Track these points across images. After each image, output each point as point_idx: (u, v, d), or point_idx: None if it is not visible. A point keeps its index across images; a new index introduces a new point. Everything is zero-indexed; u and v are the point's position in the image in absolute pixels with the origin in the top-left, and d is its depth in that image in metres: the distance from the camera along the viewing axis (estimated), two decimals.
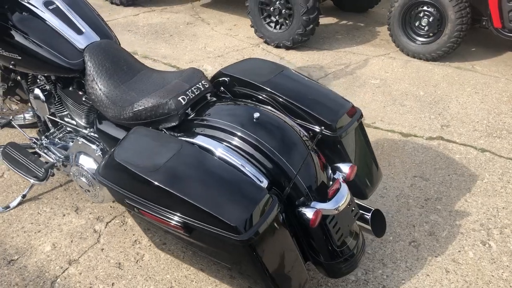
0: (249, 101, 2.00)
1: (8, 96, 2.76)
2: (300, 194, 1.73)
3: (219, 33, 4.86)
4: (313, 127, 1.93)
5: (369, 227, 2.04)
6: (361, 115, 2.03)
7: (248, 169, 1.73)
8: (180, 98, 1.87)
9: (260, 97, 2.02)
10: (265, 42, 4.56)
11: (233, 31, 4.90)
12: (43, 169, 2.37)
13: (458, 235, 2.37)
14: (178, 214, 1.56)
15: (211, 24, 5.09)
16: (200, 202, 1.51)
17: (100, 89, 2.04)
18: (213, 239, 1.53)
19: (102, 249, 2.29)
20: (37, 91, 2.31)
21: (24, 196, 2.55)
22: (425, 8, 4.15)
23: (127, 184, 1.65)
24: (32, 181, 2.38)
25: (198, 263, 1.80)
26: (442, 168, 2.87)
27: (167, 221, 1.58)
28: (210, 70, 4.09)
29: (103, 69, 2.08)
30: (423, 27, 4.22)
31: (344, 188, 1.79)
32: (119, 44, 2.32)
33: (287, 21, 4.35)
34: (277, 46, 4.48)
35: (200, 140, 1.80)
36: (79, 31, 2.18)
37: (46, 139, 2.46)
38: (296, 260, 1.65)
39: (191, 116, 1.91)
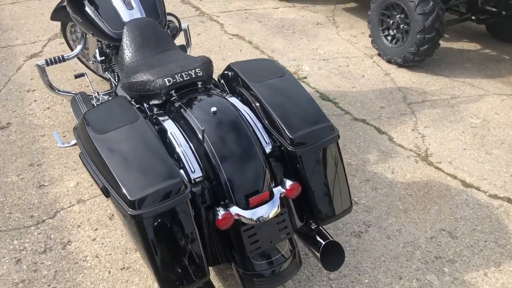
0: (229, 98, 2.04)
1: None
2: (224, 196, 1.73)
3: (341, 37, 4.78)
4: (280, 137, 1.88)
5: (318, 255, 1.93)
6: (337, 137, 1.90)
7: (187, 158, 1.79)
8: (166, 79, 2.00)
9: (247, 97, 2.03)
10: (379, 54, 4.34)
11: (356, 39, 4.76)
12: None
13: None
14: (101, 177, 1.72)
15: (339, 28, 5.02)
16: (115, 170, 1.65)
17: (125, 59, 2.30)
18: (118, 206, 1.66)
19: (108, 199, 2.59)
20: (95, 52, 2.69)
21: None
22: None
23: (82, 140, 1.88)
24: None
25: None
26: (483, 231, 2.45)
27: (95, 180, 1.75)
28: (306, 71, 4.09)
29: (133, 43, 2.33)
30: None
31: (274, 203, 1.72)
32: (165, 25, 2.55)
33: (403, 37, 4.07)
34: (389, 61, 4.23)
35: (164, 120, 1.93)
36: (130, 6, 2.47)
37: (102, 95, 2.84)
38: (194, 256, 1.66)
39: (173, 98, 2.04)
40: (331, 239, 1.94)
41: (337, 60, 4.30)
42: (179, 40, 3.21)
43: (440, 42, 4.12)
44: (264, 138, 1.91)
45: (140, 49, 2.32)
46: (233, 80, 2.15)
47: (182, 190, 1.62)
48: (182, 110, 1.92)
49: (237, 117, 1.86)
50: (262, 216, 1.69)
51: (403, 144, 3.16)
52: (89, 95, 2.99)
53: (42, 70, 2.85)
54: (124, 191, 1.59)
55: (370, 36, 4.40)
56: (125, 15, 2.44)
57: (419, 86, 3.89)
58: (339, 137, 1.91)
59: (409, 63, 4.08)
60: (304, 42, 4.66)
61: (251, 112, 1.98)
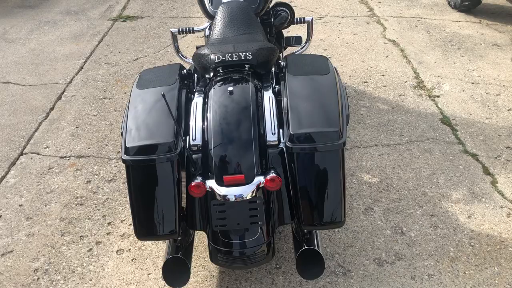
0: (265, 85, 2.08)
1: None
2: (210, 169, 1.83)
3: (509, 64, 4.15)
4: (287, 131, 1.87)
5: (294, 258, 1.90)
6: (342, 145, 1.78)
7: (195, 127, 1.93)
8: (216, 56, 2.16)
9: (280, 87, 2.07)
10: None
11: None
12: None
13: None
14: (124, 124, 2.00)
15: None
16: (129, 120, 1.91)
17: (211, 35, 2.53)
18: None
19: None
20: (206, 27, 2.99)
21: None
22: None
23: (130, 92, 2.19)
24: None
25: None
26: None
27: (122, 125, 2.05)
28: (444, 90, 3.72)
29: (221, 22, 2.54)
30: None
31: (248, 188, 1.75)
32: (262, 11, 2.70)
33: None
34: None
35: (200, 91, 2.10)
36: None
37: None
38: (167, 213, 1.82)
39: (219, 73, 2.19)
40: (314, 247, 1.87)
41: (489, 87, 3.78)
42: (293, 31, 3.30)
43: None
44: (272, 129, 1.92)
45: (225, 28, 2.51)
46: (282, 70, 2.19)
47: (169, 151, 1.79)
48: (212, 85, 2.07)
49: (249, 101, 1.92)
50: (232, 196, 1.75)
51: (505, 192, 2.68)
52: None
53: (174, 36, 3.29)
54: (126, 137, 1.84)
55: None
56: None
57: None
58: (344, 145, 1.80)
59: None
60: (462, 61, 4.21)
61: (275, 102, 2.00)
